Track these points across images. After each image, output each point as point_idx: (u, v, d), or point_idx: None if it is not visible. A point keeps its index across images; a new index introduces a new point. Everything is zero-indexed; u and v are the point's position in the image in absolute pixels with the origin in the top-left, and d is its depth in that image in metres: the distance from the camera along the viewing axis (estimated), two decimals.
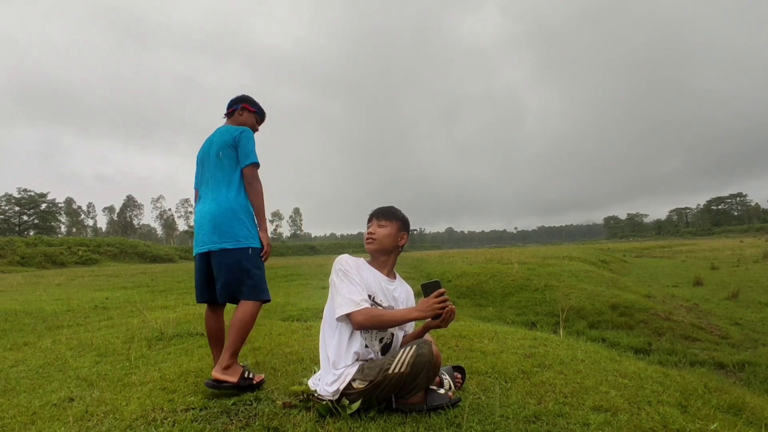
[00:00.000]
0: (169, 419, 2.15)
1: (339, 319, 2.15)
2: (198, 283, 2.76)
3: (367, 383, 2.06)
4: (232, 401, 2.32)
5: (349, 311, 2.10)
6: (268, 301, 2.69)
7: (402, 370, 2.03)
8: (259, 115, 3.02)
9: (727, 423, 2.22)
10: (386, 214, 2.36)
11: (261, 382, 2.60)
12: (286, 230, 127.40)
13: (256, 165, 2.72)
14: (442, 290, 2.11)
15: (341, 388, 2.10)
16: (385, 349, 2.25)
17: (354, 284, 2.16)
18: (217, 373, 2.52)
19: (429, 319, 2.15)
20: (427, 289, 2.16)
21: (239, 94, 3.03)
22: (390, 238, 2.31)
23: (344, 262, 2.23)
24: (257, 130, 3.04)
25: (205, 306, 2.84)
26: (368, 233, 2.33)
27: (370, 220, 2.38)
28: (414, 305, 2.32)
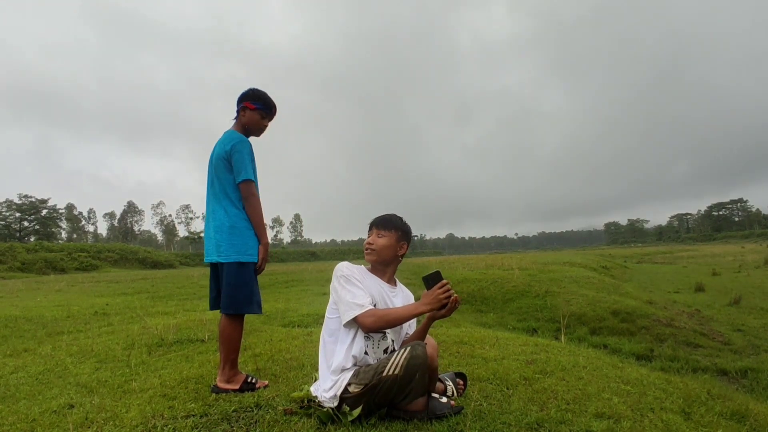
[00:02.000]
0: (170, 426, 2.14)
1: (346, 325, 2.13)
2: (210, 290, 2.84)
3: (362, 387, 2.05)
4: (233, 408, 2.31)
5: (355, 315, 2.09)
6: (254, 313, 2.66)
7: (396, 372, 2.00)
8: (263, 110, 2.80)
9: (731, 430, 2.21)
10: (386, 224, 2.32)
11: (264, 387, 2.64)
12: (286, 236, 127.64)
13: (250, 181, 2.64)
14: (445, 281, 2.12)
15: (338, 393, 2.09)
16: None
17: (358, 288, 2.15)
18: (220, 384, 2.61)
19: (434, 312, 2.14)
20: (428, 281, 2.16)
21: (247, 88, 2.83)
22: (389, 249, 2.28)
23: (345, 268, 2.22)
24: (264, 126, 2.85)
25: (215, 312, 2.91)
26: (367, 243, 2.31)
27: (370, 229, 2.35)
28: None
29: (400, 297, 2.33)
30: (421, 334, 2.25)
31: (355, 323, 2.12)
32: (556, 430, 2.03)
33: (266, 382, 2.72)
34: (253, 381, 2.66)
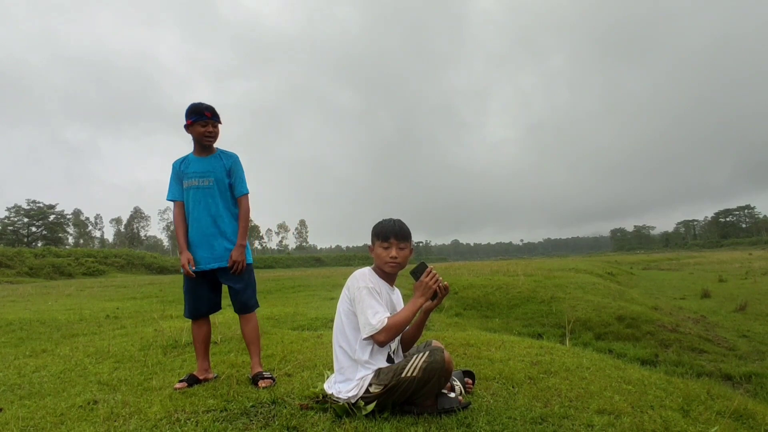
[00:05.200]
0: (192, 420, 2.26)
1: (364, 339, 2.25)
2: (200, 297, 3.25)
3: (382, 387, 2.17)
4: (251, 404, 2.43)
5: (370, 334, 2.20)
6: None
7: (414, 374, 2.14)
8: (195, 119, 2.99)
9: (729, 427, 2.29)
10: (405, 237, 2.39)
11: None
12: (291, 242, 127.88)
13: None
14: (429, 268, 2.28)
15: (360, 393, 2.21)
16: (389, 359, 2.35)
17: (377, 303, 2.25)
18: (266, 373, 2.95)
19: (427, 303, 2.28)
20: (416, 273, 2.32)
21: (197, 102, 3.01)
22: (407, 258, 2.41)
23: (369, 279, 2.31)
24: (206, 132, 2.98)
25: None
26: (391, 257, 2.34)
27: (386, 240, 2.36)
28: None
29: (397, 293, 2.48)
30: (418, 328, 2.42)
31: (371, 338, 2.24)
32: (559, 425, 2.14)
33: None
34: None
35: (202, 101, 3.01)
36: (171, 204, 3.12)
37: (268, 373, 2.92)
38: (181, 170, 3.06)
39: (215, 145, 3.10)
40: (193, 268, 2.97)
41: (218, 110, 3.01)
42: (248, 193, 3.10)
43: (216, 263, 2.98)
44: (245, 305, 3.04)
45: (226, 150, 3.13)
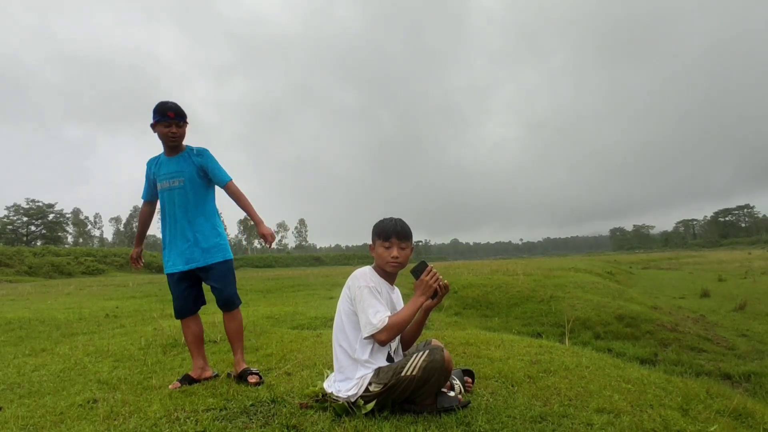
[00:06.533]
0: (192, 418, 2.26)
1: (365, 338, 2.25)
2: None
3: (382, 386, 2.17)
4: (250, 402, 2.43)
5: (371, 333, 2.20)
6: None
7: (414, 373, 2.14)
8: (159, 119, 2.91)
9: (728, 426, 2.29)
10: (407, 236, 2.38)
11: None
12: (291, 241, 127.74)
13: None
14: (430, 267, 2.30)
15: (359, 392, 2.21)
16: (389, 358, 2.35)
17: (378, 302, 2.25)
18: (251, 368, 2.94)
19: (428, 301, 2.29)
20: (416, 272, 2.33)
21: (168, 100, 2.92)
22: (408, 258, 2.40)
23: (369, 278, 2.31)
24: (168, 132, 2.92)
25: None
26: (392, 257, 2.33)
27: (387, 239, 2.34)
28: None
29: (397, 293, 2.48)
30: (419, 327, 2.43)
31: (372, 337, 2.24)
32: (558, 423, 2.15)
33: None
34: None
35: (169, 100, 2.92)
36: None
37: (255, 368, 2.92)
38: (153, 172, 3.04)
39: (185, 142, 3.05)
40: (140, 265, 3.11)
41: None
42: (231, 179, 3.00)
43: (194, 264, 2.95)
44: (228, 302, 3.00)
45: (194, 146, 3.04)
